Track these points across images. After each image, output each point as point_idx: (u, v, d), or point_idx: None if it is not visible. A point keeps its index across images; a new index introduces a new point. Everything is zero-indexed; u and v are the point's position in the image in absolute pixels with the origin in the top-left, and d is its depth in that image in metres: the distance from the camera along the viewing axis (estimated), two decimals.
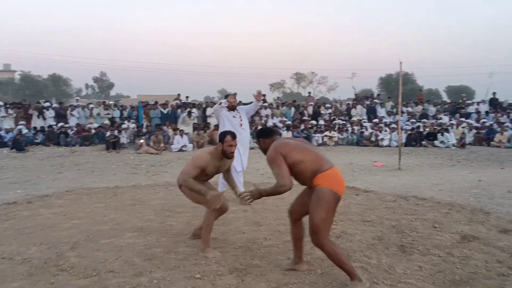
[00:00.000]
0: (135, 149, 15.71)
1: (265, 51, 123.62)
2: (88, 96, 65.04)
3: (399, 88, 11.73)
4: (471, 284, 3.54)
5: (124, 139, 16.53)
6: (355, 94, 29.61)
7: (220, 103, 7.09)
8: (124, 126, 17.68)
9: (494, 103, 21.87)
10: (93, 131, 17.55)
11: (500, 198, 7.23)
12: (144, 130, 17.29)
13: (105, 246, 4.49)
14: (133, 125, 18.03)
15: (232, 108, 6.99)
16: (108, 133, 16.63)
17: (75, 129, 17.63)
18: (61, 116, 18.62)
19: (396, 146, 17.22)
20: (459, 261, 4.05)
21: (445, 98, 45.19)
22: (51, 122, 18.14)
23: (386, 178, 9.56)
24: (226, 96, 7.39)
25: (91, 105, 19.99)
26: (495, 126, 18.26)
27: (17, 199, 7.10)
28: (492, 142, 16.96)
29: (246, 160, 7.10)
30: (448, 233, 4.91)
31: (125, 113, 20.21)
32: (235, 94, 7.26)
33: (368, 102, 22.23)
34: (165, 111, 19.17)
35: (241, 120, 6.99)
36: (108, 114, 19.27)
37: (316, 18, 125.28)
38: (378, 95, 27.45)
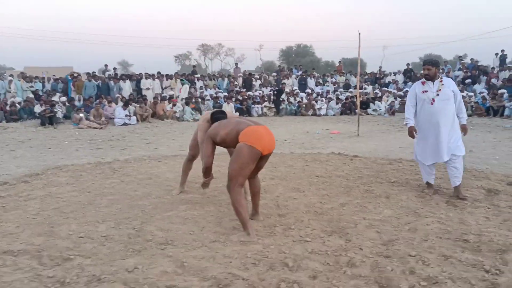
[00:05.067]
0: (74, 123, 14.71)
1: (170, 21, 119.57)
2: None
3: (358, 61, 12.26)
4: None
5: (60, 113, 15.34)
6: (279, 66, 30.21)
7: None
8: (55, 99, 16.37)
9: (408, 74, 23.73)
10: (18, 105, 16.04)
11: (468, 157, 8.03)
12: (79, 103, 16.22)
13: (175, 218, 4.34)
14: (64, 98, 16.78)
15: (427, 78, 5.29)
16: (38, 107, 15.34)
17: None
18: None
19: (334, 115, 18.12)
20: None
21: None
22: None
23: (354, 144, 10.10)
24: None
25: (9, 77, 18.10)
26: None
27: None
28: None
29: (445, 150, 5.17)
30: (472, 188, 5.46)
31: (48, 86, 18.79)
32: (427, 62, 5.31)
33: (299, 73, 22.90)
34: (96, 83, 18.09)
35: (436, 95, 5.17)
36: (32, 87, 17.71)
37: None
38: (300, 66, 28.32)
